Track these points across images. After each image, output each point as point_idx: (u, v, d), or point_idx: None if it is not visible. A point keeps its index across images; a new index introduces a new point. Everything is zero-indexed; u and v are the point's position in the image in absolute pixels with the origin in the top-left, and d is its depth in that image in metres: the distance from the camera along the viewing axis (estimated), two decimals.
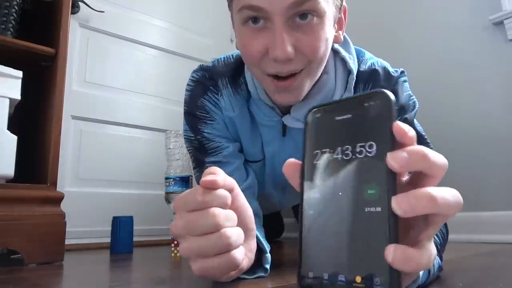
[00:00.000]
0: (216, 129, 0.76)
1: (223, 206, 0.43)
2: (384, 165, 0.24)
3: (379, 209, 0.23)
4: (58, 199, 1.08)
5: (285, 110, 0.72)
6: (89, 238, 1.59)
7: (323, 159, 0.27)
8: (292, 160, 0.30)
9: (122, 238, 1.32)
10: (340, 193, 0.26)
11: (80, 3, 1.67)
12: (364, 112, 0.26)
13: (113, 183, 1.76)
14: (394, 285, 0.22)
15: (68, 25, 1.17)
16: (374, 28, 1.90)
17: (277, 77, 0.61)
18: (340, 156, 0.26)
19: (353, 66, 0.70)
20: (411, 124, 0.66)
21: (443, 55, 1.64)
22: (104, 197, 1.70)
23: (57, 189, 1.09)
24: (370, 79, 0.69)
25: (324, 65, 0.65)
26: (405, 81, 0.71)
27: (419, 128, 0.71)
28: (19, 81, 1.05)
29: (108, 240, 1.38)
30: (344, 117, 0.27)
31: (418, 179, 0.27)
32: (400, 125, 0.25)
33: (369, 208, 0.24)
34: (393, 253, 0.22)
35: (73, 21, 1.67)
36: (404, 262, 0.23)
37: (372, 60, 0.72)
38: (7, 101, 1.02)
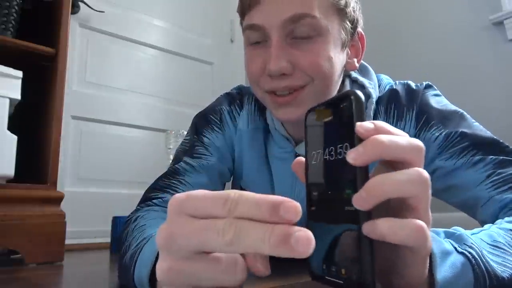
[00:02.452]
0: (218, 140, 0.73)
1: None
2: (353, 166, 0.26)
3: (353, 208, 0.25)
4: (58, 199, 1.08)
5: (299, 141, 0.70)
6: (89, 238, 1.59)
7: (318, 160, 0.29)
8: (301, 158, 0.32)
9: None
10: (329, 192, 0.28)
11: (80, 3, 1.67)
12: (340, 114, 0.28)
13: (113, 183, 1.76)
14: (366, 279, 0.24)
15: (68, 25, 1.17)
16: (373, 28, 1.90)
17: (278, 94, 0.60)
18: (327, 157, 0.28)
19: (373, 91, 0.67)
20: (470, 135, 0.57)
21: (443, 55, 1.64)
22: (104, 197, 1.70)
23: (57, 189, 1.08)
24: (390, 100, 0.66)
25: (333, 87, 0.63)
26: (436, 95, 0.66)
27: (486, 134, 0.58)
28: (19, 81, 1.05)
29: (108, 240, 1.38)
30: (328, 119, 0.29)
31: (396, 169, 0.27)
32: (362, 125, 0.26)
33: (347, 207, 0.26)
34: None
35: (73, 21, 1.67)
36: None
37: (390, 82, 0.70)
38: (7, 101, 1.02)
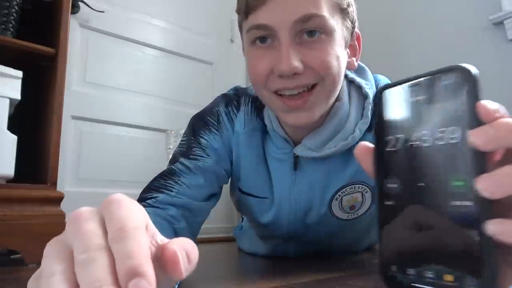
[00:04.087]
0: (216, 142, 0.73)
1: None
2: (471, 152, 0.21)
3: (467, 203, 0.21)
4: (58, 199, 1.08)
5: (298, 142, 0.69)
6: None
7: (398, 146, 0.25)
8: (364, 143, 0.27)
9: None
10: (422, 184, 0.23)
11: (80, 3, 1.67)
12: (443, 92, 0.23)
13: (113, 183, 1.76)
14: (490, 285, 0.20)
15: (68, 25, 1.17)
16: (373, 29, 1.90)
17: (287, 95, 0.59)
18: (418, 143, 0.24)
19: (370, 91, 0.68)
20: None
21: (443, 55, 1.64)
22: (104, 197, 1.69)
23: (57, 189, 1.08)
24: None
25: (339, 86, 0.63)
26: None
27: None
28: (19, 81, 1.05)
29: None
30: (420, 98, 0.24)
31: None
32: (485, 104, 0.22)
33: (455, 202, 0.22)
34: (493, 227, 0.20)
35: (73, 21, 1.67)
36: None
37: (387, 82, 0.69)
38: (7, 101, 1.02)
